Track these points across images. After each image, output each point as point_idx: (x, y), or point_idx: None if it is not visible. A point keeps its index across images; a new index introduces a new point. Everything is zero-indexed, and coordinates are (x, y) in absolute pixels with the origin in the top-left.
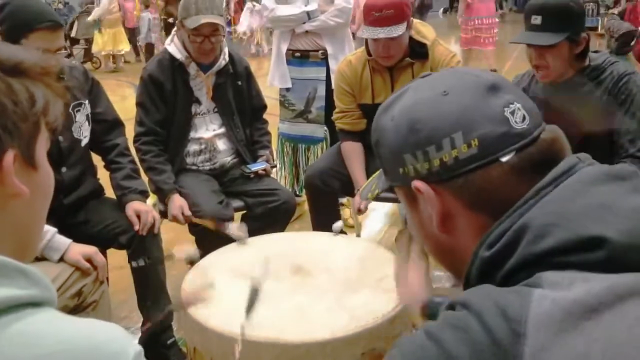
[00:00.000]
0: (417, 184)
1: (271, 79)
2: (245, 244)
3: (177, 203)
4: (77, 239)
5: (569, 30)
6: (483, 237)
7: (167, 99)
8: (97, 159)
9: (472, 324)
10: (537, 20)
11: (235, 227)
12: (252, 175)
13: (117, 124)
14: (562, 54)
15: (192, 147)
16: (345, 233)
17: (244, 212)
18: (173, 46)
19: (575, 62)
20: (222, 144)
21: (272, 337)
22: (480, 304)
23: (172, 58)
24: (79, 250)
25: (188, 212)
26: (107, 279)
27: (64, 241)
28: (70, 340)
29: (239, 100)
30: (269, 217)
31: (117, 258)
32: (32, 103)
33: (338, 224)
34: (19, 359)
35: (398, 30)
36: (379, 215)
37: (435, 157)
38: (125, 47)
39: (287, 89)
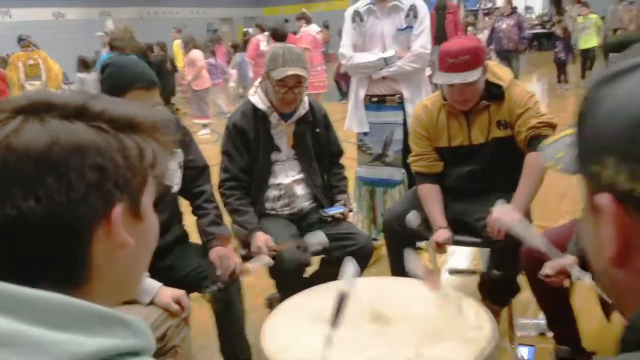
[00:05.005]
0: (603, 200)
1: (349, 124)
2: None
3: (262, 237)
4: (163, 283)
5: None
6: None
7: (249, 146)
8: (183, 206)
9: None
10: None
11: (263, 257)
12: (329, 219)
13: (205, 170)
14: None
15: (272, 193)
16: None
17: (323, 256)
18: (256, 97)
19: None
20: (300, 190)
21: None
22: None
23: (254, 108)
24: (169, 294)
25: (272, 244)
26: (188, 321)
27: (154, 284)
28: None
29: (318, 147)
30: None
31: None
32: (141, 158)
33: (412, 215)
34: None
35: (473, 75)
36: (458, 259)
37: None
38: None
39: (365, 133)
